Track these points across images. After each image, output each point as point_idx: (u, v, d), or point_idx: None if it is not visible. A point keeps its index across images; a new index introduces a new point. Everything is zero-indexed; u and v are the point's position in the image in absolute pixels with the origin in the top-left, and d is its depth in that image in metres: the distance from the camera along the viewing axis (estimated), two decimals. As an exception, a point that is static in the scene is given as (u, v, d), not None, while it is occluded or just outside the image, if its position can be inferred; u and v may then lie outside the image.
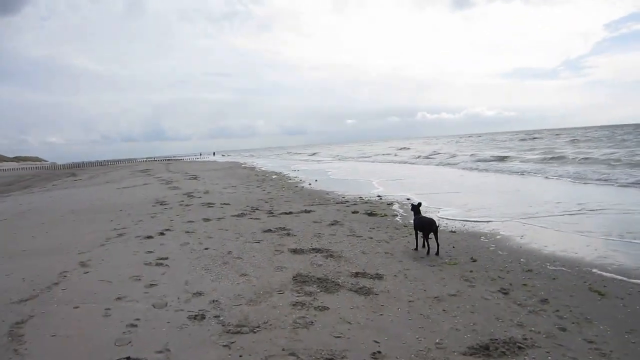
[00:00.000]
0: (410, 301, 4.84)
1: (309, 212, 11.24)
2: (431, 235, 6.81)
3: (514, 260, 6.36)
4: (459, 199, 12.66)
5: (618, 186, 14.13)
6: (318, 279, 5.64)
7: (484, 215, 9.85)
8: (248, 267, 6.28)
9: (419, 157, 38.08)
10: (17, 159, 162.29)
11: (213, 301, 4.92)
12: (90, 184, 26.50)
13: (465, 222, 9.23)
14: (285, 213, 11.09)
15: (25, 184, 31.81)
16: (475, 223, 9.10)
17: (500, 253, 6.77)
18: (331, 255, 6.81)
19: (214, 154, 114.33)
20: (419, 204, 7.25)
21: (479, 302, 4.75)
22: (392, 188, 16.44)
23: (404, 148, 56.95)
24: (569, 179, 16.57)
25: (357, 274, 5.82)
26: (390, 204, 12.25)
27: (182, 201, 14.20)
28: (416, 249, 7.03)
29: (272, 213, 11.20)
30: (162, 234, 8.88)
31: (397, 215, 10.41)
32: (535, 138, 62.16)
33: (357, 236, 8.24)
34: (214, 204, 13.33)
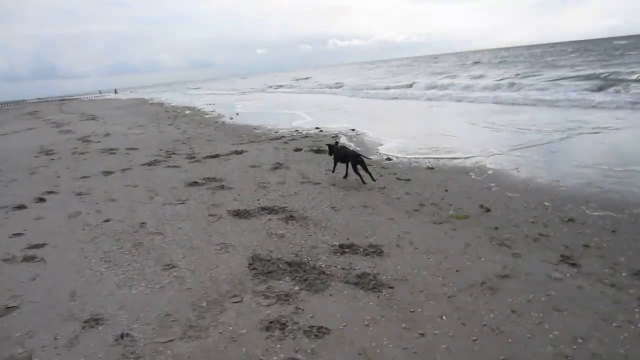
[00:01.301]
0: (449, 296, 3.02)
1: (240, 152, 8.97)
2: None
3: (535, 204, 4.74)
4: (403, 129, 10.99)
5: (556, 107, 13.24)
6: (288, 263, 3.63)
7: (451, 147, 8.25)
8: (174, 249, 4.09)
9: (331, 87, 36.08)
10: None
11: (121, 336, 2.76)
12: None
13: (438, 158, 7.49)
14: (211, 156, 8.74)
15: None
16: (450, 159, 7.40)
17: (510, 195, 5.12)
18: (292, 217, 4.77)
19: (115, 91, 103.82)
20: (336, 143, 6.76)
21: (551, 286, 3.04)
22: (324, 118, 14.40)
23: (307, 78, 54.64)
24: (494, 103, 15.49)
25: (342, 248, 3.87)
26: (335, 136, 10.29)
27: (76, 148, 11.20)
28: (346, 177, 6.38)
29: (193, 157, 8.79)
30: (41, 199, 6.25)
31: (350, 151, 8.51)
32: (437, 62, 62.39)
33: (315, 183, 6.23)
34: (116, 149, 10.56)
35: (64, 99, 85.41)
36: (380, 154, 8.06)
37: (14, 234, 4.78)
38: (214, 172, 7.26)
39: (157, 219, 5.01)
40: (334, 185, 6.09)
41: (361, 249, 3.83)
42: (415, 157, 7.52)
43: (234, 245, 4.07)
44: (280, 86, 45.10)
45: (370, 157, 7.18)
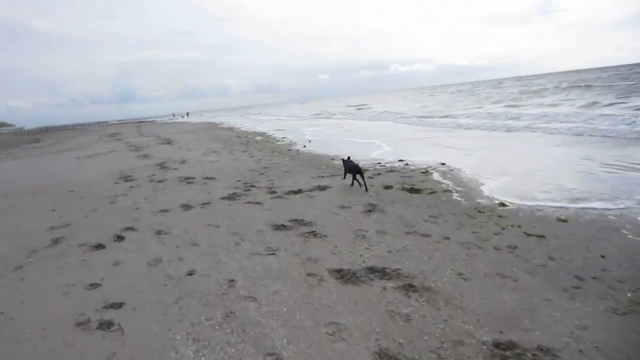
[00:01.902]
0: None
1: (324, 188, 8.17)
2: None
3: None
4: (501, 165, 9.74)
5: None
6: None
7: (575, 190, 6.98)
8: (273, 326, 3.25)
9: (401, 115, 34.96)
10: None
11: None
12: (50, 152, 22.65)
13: (567, 207, 6.23)
14: (293, 192, 7.99)
15: (-24, 153, 27.59)
16: (584, 208, 6.14)
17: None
18: (411, 287, 3.81)
19: (187, 114, 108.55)
20: (348, 157, 8.75)
21: None
22: (403, 149, 13.41)
23: (364, 105, 53.70)
24: (592, 135, 13.79)
25: (499, 348, 2.85)
26: (425, 171, 9.28)
27: (154, 175, 10.92)
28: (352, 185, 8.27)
29: (274, 192, 8.09)
30: (120, 237, 5.71)
31: (450, 191, 7.44)
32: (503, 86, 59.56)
33: (423, 235, 5.25)
34: (194, 178, 10.13)
35: (141, 121, 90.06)
36: (489, 197, 6.94)
37: (90, 285, 4.17)
38: (300, 213, 6.47)
39: (246, 275, 4.23)
40: (447, 238, 5.08)
41: (528, 354, 2.79)
42: (537, 205, 6.32)
43: (349, 329, 3.16)
44: (343, 112, 44.64)
45: (478, 200, 6.12)
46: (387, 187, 7.95)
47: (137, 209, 7.36)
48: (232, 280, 4.13)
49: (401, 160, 10.92)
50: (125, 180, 10.43)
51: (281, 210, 6.68)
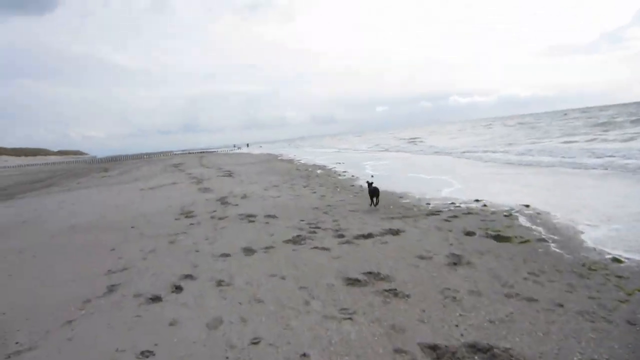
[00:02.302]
0: None
1: (397, 232, 7.40)
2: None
3: None
4: (600, 210, 8.52)
5: None
6: None
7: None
8: None
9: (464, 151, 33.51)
10: (61, 152, 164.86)
11: None
12: (116, 182, 23.35)
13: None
14: (363, 236, 7.28)
15: (51, 181, 29.12)
16: None
17: None
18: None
19: (247, 145, 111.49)
20: (372, 182, 10.47)
21: None
22: (476, 187, 12.37)
23: (416, 139, 52.20)
24: None
25: None
26: (509, 215, 8.29)
27: (214, 212, 10.60)
28: (371, 205, 10.14)
29: (342, 235, 7.41)
30: (177, 288, 5.21)
31: (545, 240, 6.44)
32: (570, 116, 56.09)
33: (528, 299, 4.34)
34: (255, 216, 9.68)
35: (204, 152, 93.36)
36: (595, 250, 5.88)
37: (141, 353, 3.63)
38: (374, 264, 5.73)
39: (322, 349, 3.54)
40: (560, 305, 4.16)
41: None
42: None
43: None
44: (401, 145, 43.65)
45: (584, 253, 5.16)
46: (469, 234, 7.05)
47: (197, 251, 6.92)
48: (304, 355, 3.45)
49: (477, 201, 9.95)
50: (186, 216, 10.16)
51: (352, 260, 5.98)
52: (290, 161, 32.11)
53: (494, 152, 25.24)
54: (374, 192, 10.11)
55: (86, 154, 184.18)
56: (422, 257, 5.91)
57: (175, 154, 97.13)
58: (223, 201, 12.21)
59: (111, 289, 5.25)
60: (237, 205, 11.43)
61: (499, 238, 6.67)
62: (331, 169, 22.29)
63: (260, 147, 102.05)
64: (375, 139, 71.41)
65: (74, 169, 53.52)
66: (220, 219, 9.66)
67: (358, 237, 7.25)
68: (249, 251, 6.75)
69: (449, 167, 19.60)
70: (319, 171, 21.25)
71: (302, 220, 8.93)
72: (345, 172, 19.77)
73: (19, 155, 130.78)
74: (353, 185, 14.55)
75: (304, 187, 14.85)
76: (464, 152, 27.72)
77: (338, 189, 13.71)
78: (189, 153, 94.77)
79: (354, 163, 25.67)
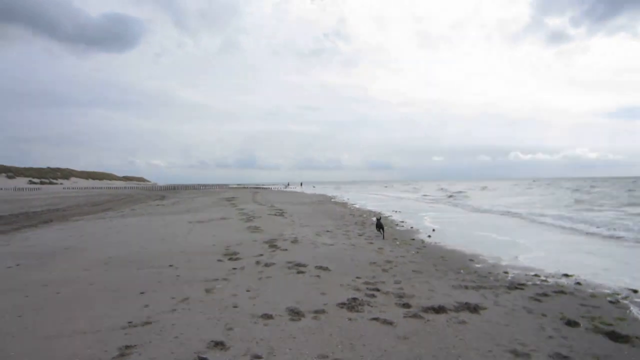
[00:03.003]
0: None
1: (475, 309, 6.01)
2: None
3: None
4: None
5: None
6: None
7: None
8: None
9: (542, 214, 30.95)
10: (125, 178, 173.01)
11: None
12: (168, 212, 23.15)
13: None
14: (433, 309, 5.94)
15: (109, 205, 29.60)
16: None
17: None
18: None
19: (301, 184, 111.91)
20: (380, 218, 14.65)
21: None
22: (558, 256, 10.64)
23: (460, 192, 49.33)
24: None
25: None
26: (615, 301, 6.67)
27: (261, 256, 9.61)
28: (382, 237, 13.19)
29: (407, 305, 6.13)
30: (203, 361, 4.16)
31: (683, 349, 4.88)
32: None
33: None
34: (305, 266, 8.59)
35: (258, 187, 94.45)
36: None
37: None
38: (455, 356, 4.42)
39: None
40: None
41: None
42: None
43: None
44: (458, 197, 41.38)
45: None
46: (571, 324, 5.55)
47: (235, 306, 5.86)
48: None
49: (567, 276, 8.31)
50: (230, 258, 9.23)
51: (424, 345, 4.68)
52: (344, 204, 31.02)
53: (561, 217, 22.98)
54: (380, 226, 13.80)
55: (149, 181, 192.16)
56: (516, 354, 4.52)
57: (230, 187, 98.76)
58: (272, 244, 11.22)
59: (123, 352, 4.25)
60: (286, 250, 10.40)
61: (614, 337, 5.14)
62: (387, 217, 20.94)
63: (314, 187, 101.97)
64: (433, 188, 69.10)
65: (134, 194, 55.14)
66: (266, 265, 8.64)
67: (427, 309, 5.93)
68: (295, 314, 5.61)
69: (519, 230, 17.67)
70: (374, 219, 19.97)
71: (359, 278, 7.72)
72: (402, 222, 18.37)
73: (87, 178, 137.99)
74: (414, 239, 13.18)
75: (359, 235, 13.65)
76: (532, 213, 25.51)
77: (397, 242, 12.40)
78: (244, 187, 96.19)
79: (411, 213, 24.16)
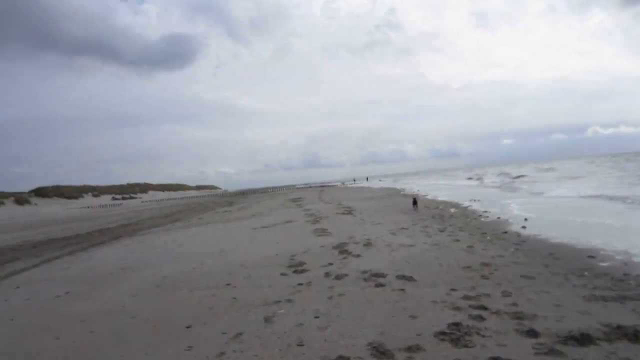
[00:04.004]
0: None
1: (635, 336, 4.23)
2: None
3: None
4: None
5: None
6: None
7: None
8: None
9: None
10: (198, 187, 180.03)
11: None
12: (234, 218, 22.46)
13: None
14: (574, 339, 4.20)
15: (179, 215, 29.67)
16: None
17: None
18: None
19: (366, 179, 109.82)
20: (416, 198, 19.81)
21: None
22: None
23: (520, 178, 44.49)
24: None
25: None
26: None
27: (330, 265, 8.18)
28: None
29: (532, 331, 4.40)
30: None
31: None
32: None
33: None
34: (384, 276, 7.06)
35: (324, 185, 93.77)
36: None
37: None
38: None
39: None
40: None
41: None
42: None
43: None
44: (535, 180, 37.59)
45: None
46: None
47: (300, 344, 4.44)
48: None
49: None
50: (295, 271, 7.89)
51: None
52: (416, 197, 28.95)
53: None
54: (415, 201, 18.70)
55: (219, 188, 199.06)
56: None
57: (297, 188, 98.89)
58: (342, 249, 9.77)
59: None
60: (359, 256, 8.90)
61: None
62: (466, 207, 18.81)
63: (380, 180, 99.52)
64: (504, 172, 64.60)
65: (204, 202, 56.16)
66: (337, 277, 7.20)
67: (565, 339, 4.19)
68: (381, 354, 4.10)
69: (618, 211, 14.97)
70: (452, 210, 17.96)
71: (454, 290, 6.08)
72: (486, 212, 16.19)
73: (164, 191, 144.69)
74: (506, 232, 11.19)
75: (440, 231, 11.85)
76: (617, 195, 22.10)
77: (488, 237, 10.50)
78: (310, 187, 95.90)
79: (492, 201, 21.75)
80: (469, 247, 9.30)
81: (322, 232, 12.95)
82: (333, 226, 14.21)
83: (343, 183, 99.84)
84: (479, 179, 50.55)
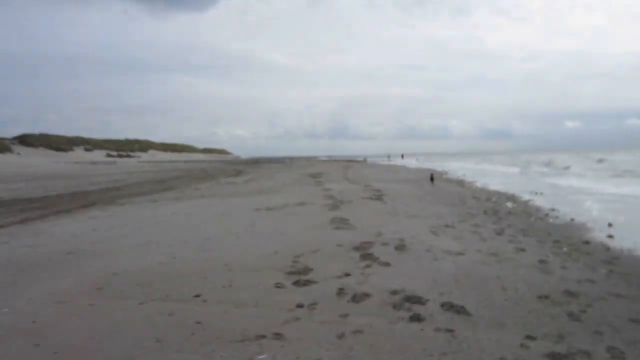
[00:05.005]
0: None
1: None
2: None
3: None
4: None
5: None
6: None
7: None
8: None
9: None
10: (206, 150, 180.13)
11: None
12: (236, 193, 21.15)
13: None
14: None
15: (172, 184, 28.56)
16: None
17: None
18: None
19: (402, 156, 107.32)
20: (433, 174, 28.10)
21: None
22: None
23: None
24: None
25: None
26: None
27: (347, 277, 6.68)
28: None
29: None
30: None
31: None
32: None
33: None
34: (422, 302, 5.57)
35: (351, 160, 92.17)
36: None
37: None
38: None
39: None
40: None
41: None
42: None
43: None
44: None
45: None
46: None
47: None
48: None
49: None
50: (297, 282, 6.42)
51: None
52: (461, 183, 27.19)
53: None
54: (432, 177, 26.05)
55: (230, 153, 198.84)
56: None
57: (319, 160, 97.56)
58: (365, 251, 8.25)
59: None
60: (387, 265, 7.39)
61: None
62: (527, 201, 17.08)
63: (417, 159, 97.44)
64: (565, 159, 61.75)
65: (209, 169, 55.33)
66: (354, 299, 5.72)
67: None
68: None
69: None
70: (509, 204, 16.27)
71: (531, 338, 4.55)
72: (554, 210, 14.47)
73: (166, 151, 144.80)
74: (588, 242, 9.57)
75: (498, 234, 10.26)
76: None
77: (564, 248, 8.88)
78: (334, 160, 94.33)
79: (559, 195, 19.95)
80: (541, 262, 7.71)
81: (342, 223, 11.41)
82: (357, 215, 12.63)
83: (363, 159, 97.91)
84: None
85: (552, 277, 6.85)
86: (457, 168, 50.68)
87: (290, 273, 6.92)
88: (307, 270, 7.04)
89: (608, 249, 9.03)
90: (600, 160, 52.85)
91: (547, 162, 53.47)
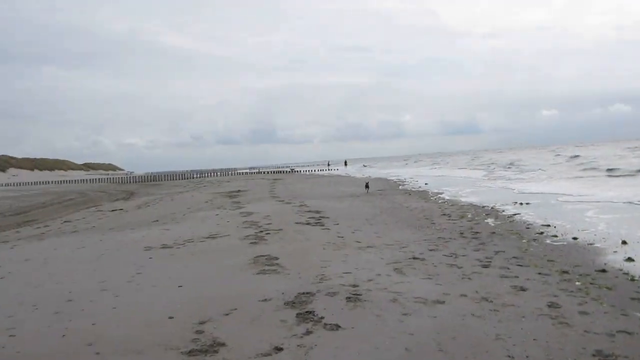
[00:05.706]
0: None
1: None
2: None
3: None
4: None
5: None
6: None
7: None
8: None
9: None
10: (86, 166, 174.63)
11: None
12: (122, 226, 19.66)
13: None
14: None
15: (37, 214, 27.05)
16: None
17: None
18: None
19: (345, 164, 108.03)
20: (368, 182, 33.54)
21: None
22: None
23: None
24: None
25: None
26: None
27: (278, 353, 5.62)
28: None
29: None
30: None
31: None
32: None
33: None
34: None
35: (280, 170, 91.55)
36: None
37: None
38: None
39: None
40: None
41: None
42: None
43: None
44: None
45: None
46: None
47: None
48: None
49: None
50: (200, 368, 5.36)
51: None
52: (424, 195, 27.01)
53: None
54: (367, 185, 31.61)
55: (121, 169, 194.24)
56: None
57: (239, 173, 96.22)
58: (302, 308, 7.21)
59: None
60: (336, 328, 6.40)
61: None
62: (512, 216, 16.86)
63: (364, 166, 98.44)
64: (544, 157, 64.17)
65: (89, 191, 53.27)
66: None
67: None
68: None
69: None
70: (489, 221, 15.96)
71: None
72: (548, 227, 14.23)
73: (33, 169, 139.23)
74: (604, 271, 9.15)
75: (484, 266, 9.69)
76: None
77: (577, 282, 8.33)
78: (258, 172, 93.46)
79: (549, 204, 20.04)
80: (552, 306, 7.07)
81: (269, 263, 10.32)
82: (289, 251, 11.60)
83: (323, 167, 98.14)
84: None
85: (573, 330, 6.14)
86: (415, 175, 51.27)
87: (191, 354, 5.78)
88: (215, 346, 5.92)
89: (632, 278, 8.58)
90: (573, 157, 56.26)
91: (510, 163, 56.23)
